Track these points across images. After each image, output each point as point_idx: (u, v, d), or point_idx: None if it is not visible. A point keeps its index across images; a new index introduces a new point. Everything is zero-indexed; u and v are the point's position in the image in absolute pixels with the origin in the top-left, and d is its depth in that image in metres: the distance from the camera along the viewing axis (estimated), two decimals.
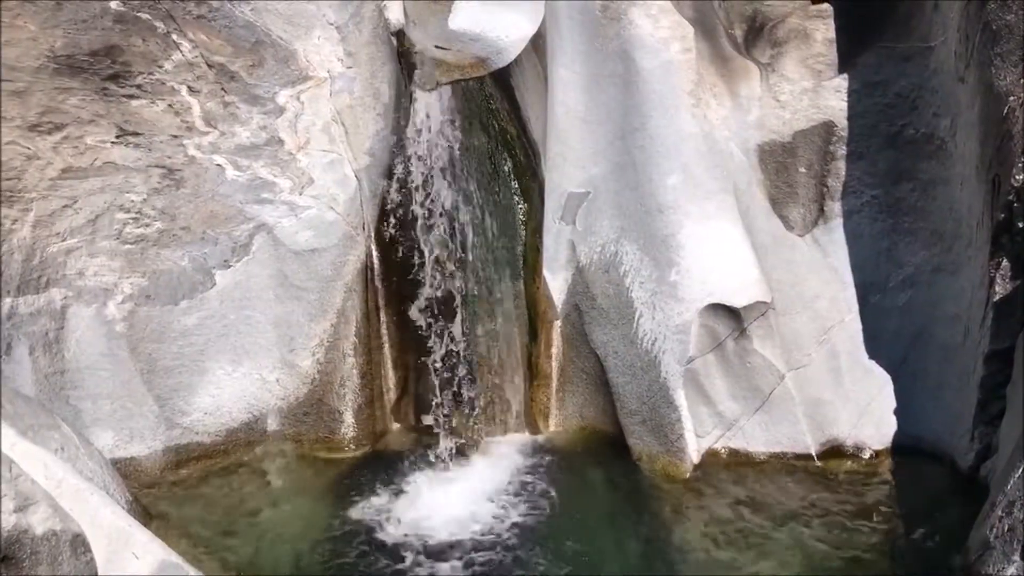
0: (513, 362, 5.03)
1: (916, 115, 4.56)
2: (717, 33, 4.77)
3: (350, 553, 4.18)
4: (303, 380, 4.79)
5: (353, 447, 4.84)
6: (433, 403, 4.89)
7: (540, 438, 4.99)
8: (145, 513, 4.13)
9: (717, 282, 4.47)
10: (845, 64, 4.63)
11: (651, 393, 4.60)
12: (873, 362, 4.61)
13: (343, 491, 4.59)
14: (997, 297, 3.93)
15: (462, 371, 4.88)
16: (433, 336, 4.86)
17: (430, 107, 4.72)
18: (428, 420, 4.89)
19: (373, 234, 4.81)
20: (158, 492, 4.48)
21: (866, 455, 4.57)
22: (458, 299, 4.84)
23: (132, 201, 4.51)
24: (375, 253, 4.84)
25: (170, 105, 4.47)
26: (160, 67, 4.40)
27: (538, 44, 4.84)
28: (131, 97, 4.40)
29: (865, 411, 4.58)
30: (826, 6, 4.66)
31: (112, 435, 4.52)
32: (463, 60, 4.75)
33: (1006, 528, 3.11)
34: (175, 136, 4.51)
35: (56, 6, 4.19)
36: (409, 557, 4.16)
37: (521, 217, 5.04)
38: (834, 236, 4.70)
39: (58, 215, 4.40)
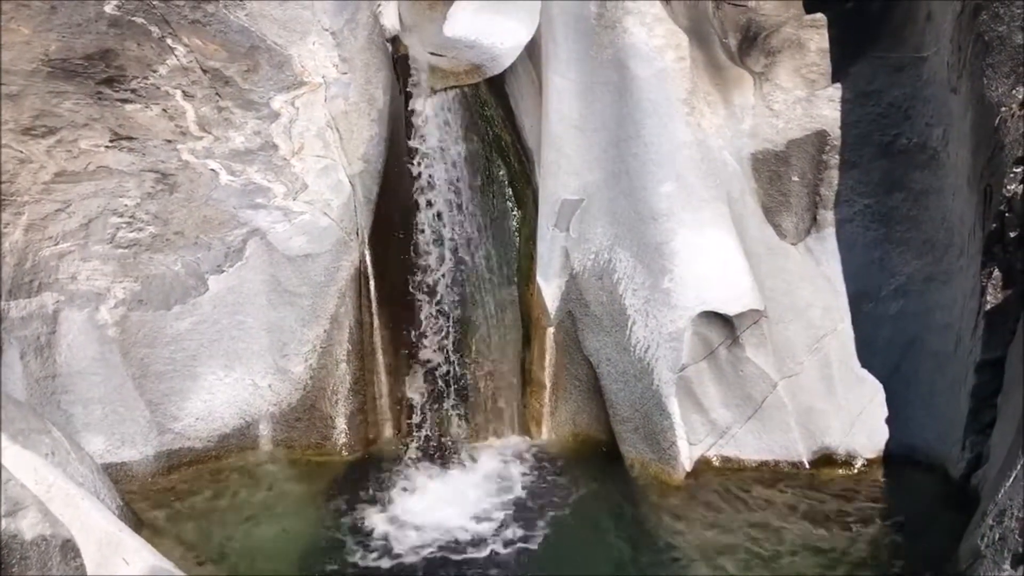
0: (506, 368, 5.02)
1: (909, 125, 4.58)
2: (711, 42, 4.79)
3: (342, 558, 4.17)
4: (295, 386, 4.78)
5: (345, 453, 4.83)
6: (425, 409, 4.88)
7: (533, 444, 4.99)
8: (136, 519, 4.11)
9: (710, 290, 4.48)
10: (838, 74, 4.65)
11: (644, 400, 4.60)
12: (865, 371, 4.62)
13: (335, 497, 4.57)
14: (989, 307, 3.94)
15: (455, 377, 4.88)
16: (426, 342, 4.85)
17: (425, 113, 4.73)
18: (420, 426, 4.88)
19: (367, 239, 4.81)
20: (149, 497, 4.46)
21: (858, 463, 4.57)
22: (451, 305, 4.84)
23: (125, 205, 4.50)
24: (369, 259, 4.83)
25: (164, 110, 4.46)
26: (155, 71, 4.40)
27: (533, 51, 4.85)
28: (125, 101, 4.40)
29: (857, 419, 4.59)
30: (820, 16, 4.69)
31: (103, 440, 4.50)
32: (458, 67, 4.75)
33: (997, 537, 3.12)
34: (169, 141, 4.51)
35: (50, 10, 4.19)
36: (401, 562, 4.15)
37: (515, 224, 5.04)
38: (827, 245, 4.71)
39: (51, 219, 4.39)
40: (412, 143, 4.72)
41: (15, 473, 3.20)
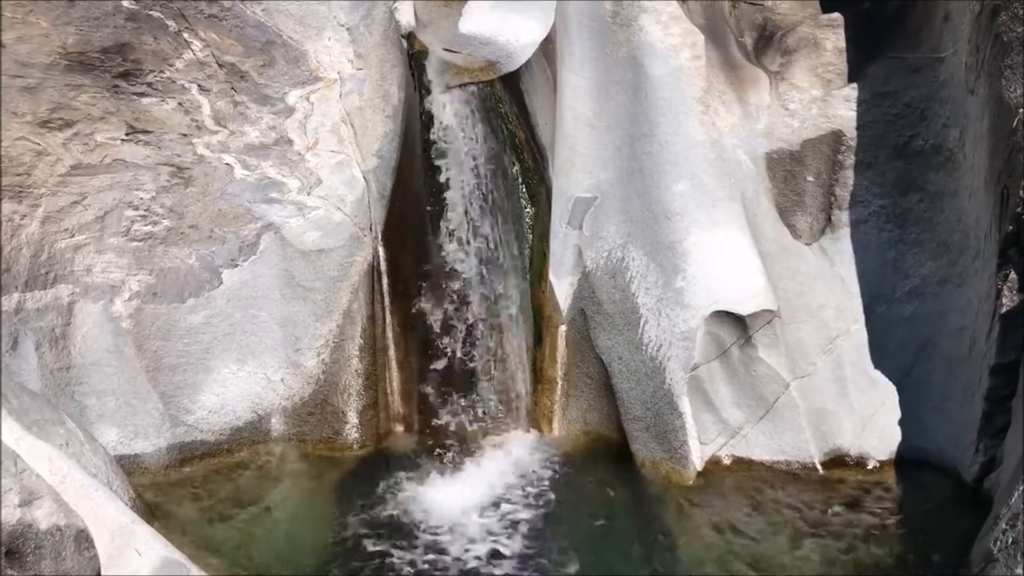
0: (518, 366, 5.03)
1: (925, 126, 4.56)
2: (727, 40, 4.78)
3: (352, 552, 4.19)
4: (308, 380, 4.80)
5: (356, 448, 4.85)
6: (436, 405, 4.89)
7: (543, 442, 4.99)
8: (148, 510, 4.14)
9: (723, 290, 4.47)
10: (855, 74, 4.63)
11: (655, 399, 4.60)
12: (878, 372, 4.60)
13: (346, 491, 4.59)
14: (1004, 310, 3.92)
15: (466, 373, 4.89)
16: (438, 338, 4.86)
17: (441, 110, 4.73)
18: (431, 422, 4.89)
19: (380, 235, 4.82)
20: (161, 489, 4.48)
21: (870, 466, 4.56)
22: (463, 302, 4.85)
23: (141, 199, 4.52)
24: (382, 254, 4.85)
25: (180, 103, 4.48)
26: (171, 65, 4.42)
27: (548, 49, 4.85)
28: (142, 95, 4.42)
29: (869, 421, 4.57)
30: (836, 15, 4.67)
31: (117, 432, 4.53)
32: (473, 64, 4.76)
33: (1010, 541, 3.11)
34: (185, 135, 4.53)
35: (68, 3, 4.22)
36: (410, 557, 4.16)
37: (528, 221, 5.04)
38: (841, 246, 4.70)
39: (67, 211, 4.42)
40: (427, 139, 4.73)
41: (30, 463, 3.23)
